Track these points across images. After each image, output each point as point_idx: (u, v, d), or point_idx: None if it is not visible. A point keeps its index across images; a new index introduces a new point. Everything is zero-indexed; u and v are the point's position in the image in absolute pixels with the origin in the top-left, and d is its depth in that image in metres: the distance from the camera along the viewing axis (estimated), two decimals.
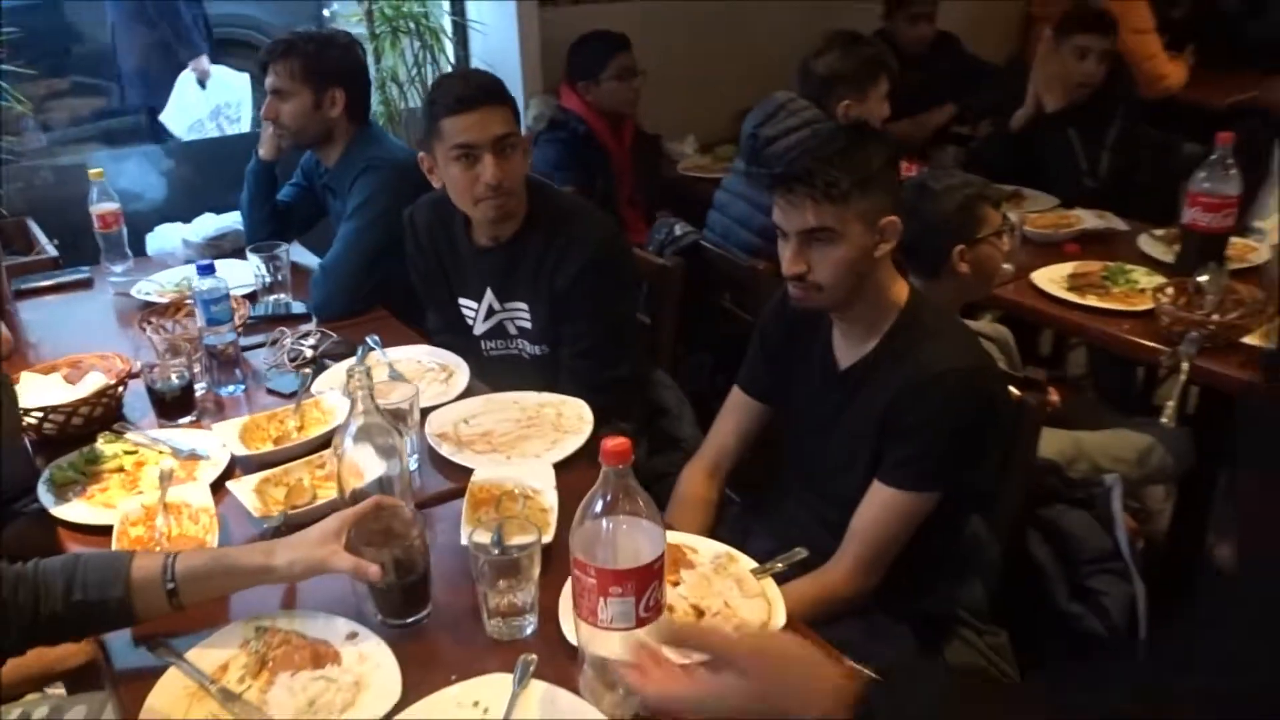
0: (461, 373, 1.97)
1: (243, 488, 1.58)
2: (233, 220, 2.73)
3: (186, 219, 2.82)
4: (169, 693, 1.21)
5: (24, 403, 1.79)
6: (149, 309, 2.24)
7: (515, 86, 3.16)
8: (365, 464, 1.38)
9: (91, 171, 2.49)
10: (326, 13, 3.18)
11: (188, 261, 2.62)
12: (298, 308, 2.33)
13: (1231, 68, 4.23)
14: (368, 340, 2.07)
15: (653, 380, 2.27)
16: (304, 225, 2.66)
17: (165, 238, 2.78)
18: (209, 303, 1.90)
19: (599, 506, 1.10)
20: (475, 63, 3.38)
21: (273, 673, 1.24)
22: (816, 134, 2.42)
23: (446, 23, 3.34)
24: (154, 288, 2.43)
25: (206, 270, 1.90)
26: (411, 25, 3.22)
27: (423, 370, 2.02)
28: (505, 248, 2.02)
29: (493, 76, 2.00)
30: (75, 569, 1.22)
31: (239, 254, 2.63)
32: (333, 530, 1.29)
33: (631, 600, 1.10)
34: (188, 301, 2.07)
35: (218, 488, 1.62)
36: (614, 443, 1.08)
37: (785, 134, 2.58)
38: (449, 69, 3.33)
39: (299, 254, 2.66)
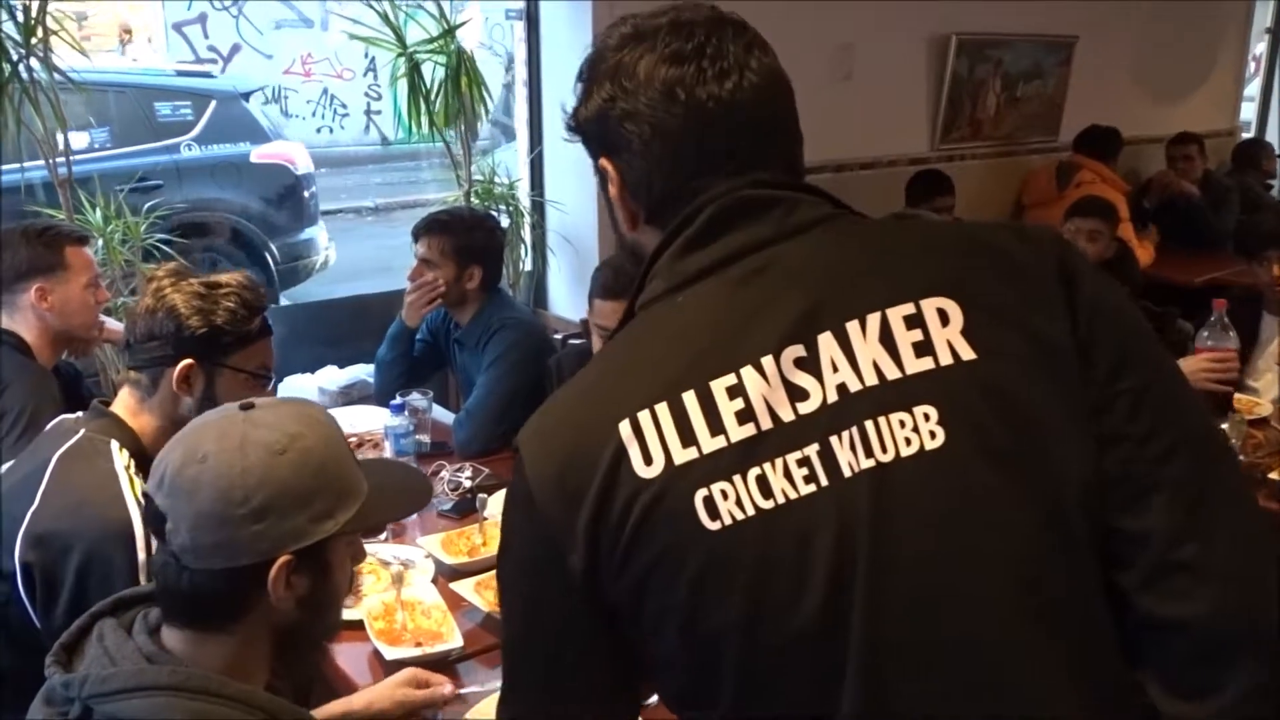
0: None
1: (466, 589, 1.86)
2: (358, 372, 3.07)
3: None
4: None
5: None
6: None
7: (591, 255, 3.56)
8: None
9: None
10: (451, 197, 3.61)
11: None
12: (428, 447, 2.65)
13: (1195, 250, 4.83)
14: None
15: None
16: (425, 376, 2.99)
17: (294, 387, 3.10)
18: (399, 436, 2.22)
19: None
20: (554, 236, 3.83)
21: None
22: None
23: (528, 201, 3.79)
24: None
25: (398, 409, 2.22)
26: (501, 206, 3.67)
27: None
28: None
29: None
30: None
31: (366, 401, 2.97)
32: (406, 679, 1.53)
33: None
34: (368, 438, 2.39)
35: None
36: None
37: None
38: (527, 237, 3.80)
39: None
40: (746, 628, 0.77)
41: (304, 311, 3.93)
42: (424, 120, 3.42)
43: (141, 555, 1.45)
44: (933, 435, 0.78)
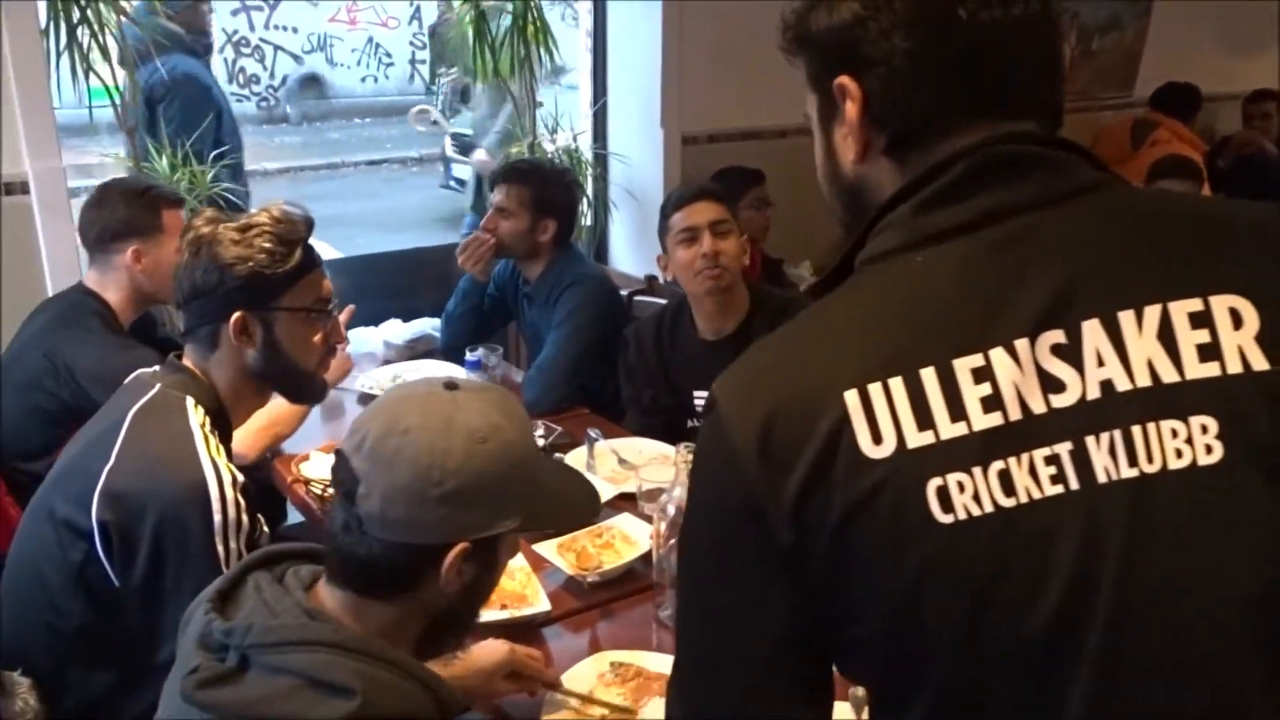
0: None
1: (549, 551, 1.83)
2: (423, 325, 3.04)
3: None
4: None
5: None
6: None
7: (655, 210, 3.49)
8: None
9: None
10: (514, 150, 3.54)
11: (386, 362, 2.94)
12: None
13: None
14: (589, 432, 2.34)
15: None
16: (490, 331, 2.96)
17: (359, 340, 3.08)
18: None
19: None
20: (617, 191, 3.76)
21: (636, 698, 1.48)
22: None
23: (589, 154, 3.73)
24: (371, 382, 2.72)
25: (474, 366, 2.18)
26: (565, 157, 3.60)
27: (646, 457, 2.29)
28: (730, 339, 2.33)
29: (711, 184, 2.40)
30: None
31: (431, 355, 2.94)
32: (504, 663, 1.46)
33: None
34: None
35: None
36: None
37: None
38: (589, 191, 3.74)
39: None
40: (967, 627, 0.72)
41: (360, 264, 3.88)
42: (489, 69, 3.36)
43: (218, 517, 1.41)
44: (1208, 450, 0.70)
